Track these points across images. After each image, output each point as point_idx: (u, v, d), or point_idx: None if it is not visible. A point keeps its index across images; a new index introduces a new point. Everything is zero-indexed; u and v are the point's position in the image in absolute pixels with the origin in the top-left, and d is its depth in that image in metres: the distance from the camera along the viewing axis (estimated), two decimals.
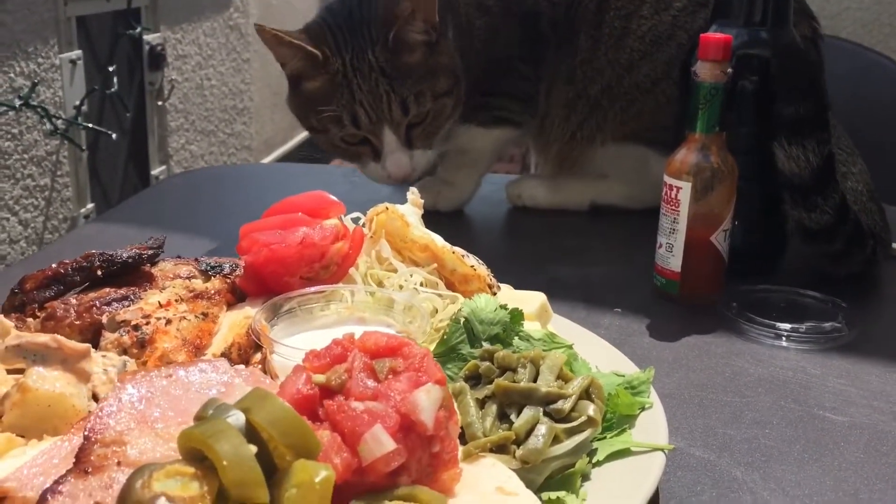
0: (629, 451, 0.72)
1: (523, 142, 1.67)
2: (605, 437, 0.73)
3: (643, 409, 0.77)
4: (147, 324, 0.77)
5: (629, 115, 1.43)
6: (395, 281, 0.89)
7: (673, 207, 1.09)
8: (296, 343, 0.75)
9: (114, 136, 2.51)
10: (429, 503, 0.57)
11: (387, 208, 0.93)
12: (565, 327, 0.92)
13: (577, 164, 1.50)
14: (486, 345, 0.79)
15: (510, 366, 0.75)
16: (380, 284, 0.89)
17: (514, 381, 0.73)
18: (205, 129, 3.44)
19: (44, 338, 0.70)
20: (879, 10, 3.52)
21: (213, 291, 0.84)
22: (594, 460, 0.70)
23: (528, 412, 0.70)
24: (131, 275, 0.86)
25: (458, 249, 0.91)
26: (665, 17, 1.39)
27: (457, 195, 1.51)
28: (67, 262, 0.84)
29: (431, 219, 0.97)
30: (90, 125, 2.43)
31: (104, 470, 0.56)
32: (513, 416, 0.71)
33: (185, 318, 0.79)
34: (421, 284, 0.89)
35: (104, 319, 0.78)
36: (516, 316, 0.82)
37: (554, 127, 1.48)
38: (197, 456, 0.53)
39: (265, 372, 0.75)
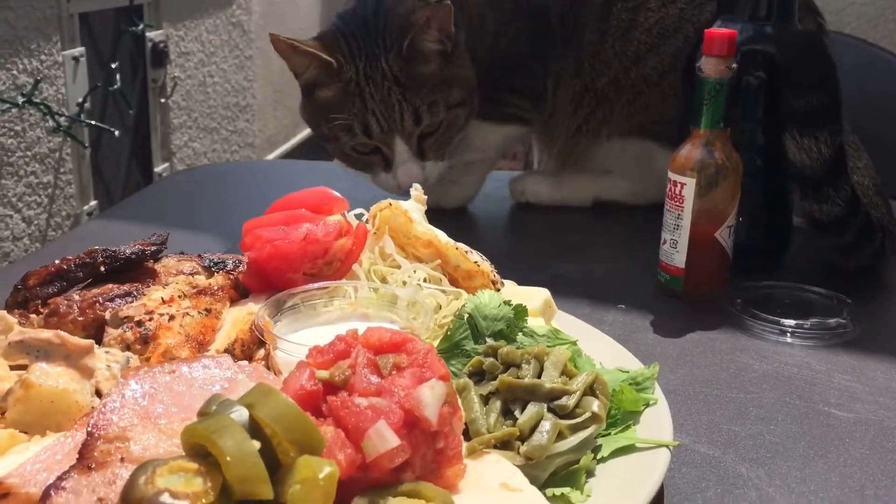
0: (634, 447, 0.71)
1: (527, 139, 1.66)
2: (609, 434, 0.73)
3: (647, 405, 0.77)
4: (150, 320, 0.77)
5: (636, 108, 1.43)
6: (399, 277, 0.89)
7: (677, 203, 1.08)
8: (299, 339, 0.75)
9: (117, 133, 2.51)
10: (433, 499, 0.57)
11: (390, 204, 0.92)
12: (569, 323, 0.92)
13: (581, 159, 1.50)
14: (489, 341, 0.78)
15: (514, 362, 0.75)
16: (383, 280, 0.89)
17: (518, 378, 0.73)
18: (207, 127, 3.44)
19: (47, 334, 0.70)
20: (884, 5, 3.51)
21: (216, 288, 0.84)
22: (598, 457, 0.70)
23: (533, 408, 0.70)
24: (134, 271, 0.86)
25: (461, 245, 0.91)
26: (672, 9, 1.39)
27: (461, 193, 1.51)
28: (70, 258, 0.84)
29: (435, 215, 0.97)
30: (93, 122, 2.43)
31: (107, 466, 0.55)
32: (517, 413, 0.70)
33: (188, 314, 0.79)
34: (424, 280, 0.89)
35: (107, 315, 0.78)
36: (520, 312, 0.82)
37: (560, 121, 1.48)
38: (200, 452, 0.52)
39: (268, 368, 0.75)
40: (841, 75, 1.14)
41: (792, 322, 1.05)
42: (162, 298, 0.80)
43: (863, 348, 1.01)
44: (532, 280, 0.96)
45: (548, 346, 0.78)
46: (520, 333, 0.81)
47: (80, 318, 0.79)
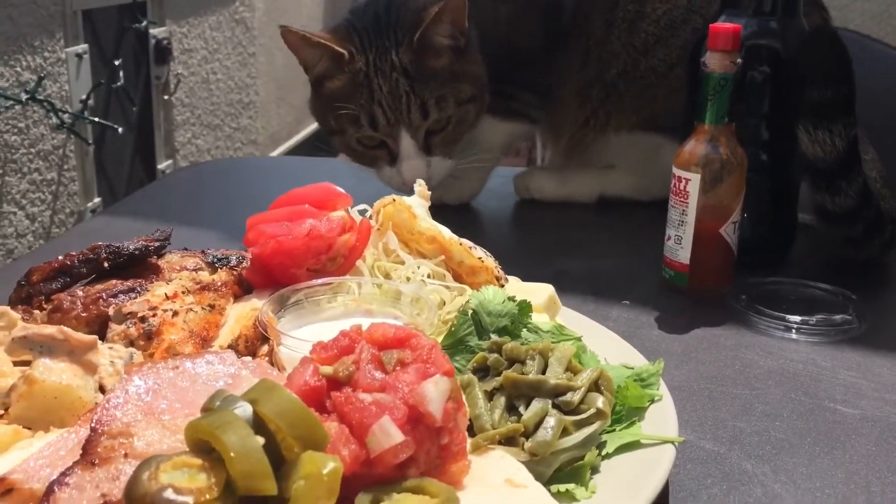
0: (639, 443, 0.71)
1: (531, 135, 1.66)
2: (614, 430, 0.73)
3: (652, 401, 0.77)
4: (154, 315, 0.77)
5: (644, 101, 1.42)
6: (403, 273, 0.88)
7: (682, 199, 1.08)
8: (303, 335, 0.75)
9: (120, 130, 2.51)
10: (437, 495, 0.57)
11: (394, 200, 0.92)
12: (574, 319, 0.92)
13: (586, 153, 1.50)
14: (494, 337, 0.78)
15: (518, 358, 0.75)
16: (387, 276, 0.89)
17: (523, 374, 0.72)
18: (211, 124, 3.44)
19: (50, 329, 0.70)
20: (888, 1, 3.50)
21: (219, 283, 0.84)
22: (603, 453, 0.70)
23: (537, 404, 0.70)
24: (138, 267, 0.86)
25: (465, 241, 0.91)
26: (680, 1, 1.38)
27: (464, 189, 1.50)
28: (74, 253, 0.84)
29: (438, 211, 0.97)
30: (96, 119, 2.43)
31: (111, 461, 0.55)
32: (521, 409, 0.70)
33: (191, 309, 0.79)
34: (428, 276, 0.88)
35: (111, 311, 0.78)
36: (524, 308, 0.82)
37: (567, 115, 1.47)
38: (204, 447, 0.52)
39: (272, 364, 0.75)
40: None
41: (797, 318, 1.05)
42: (165, 294, 0.80)
43: (868, 345, 1.01)
44: (536, 276, 0.96)
45: (552, 343, 0.78)
46: (524, 329, 0.81)
47: (84, 314, 0.79)
